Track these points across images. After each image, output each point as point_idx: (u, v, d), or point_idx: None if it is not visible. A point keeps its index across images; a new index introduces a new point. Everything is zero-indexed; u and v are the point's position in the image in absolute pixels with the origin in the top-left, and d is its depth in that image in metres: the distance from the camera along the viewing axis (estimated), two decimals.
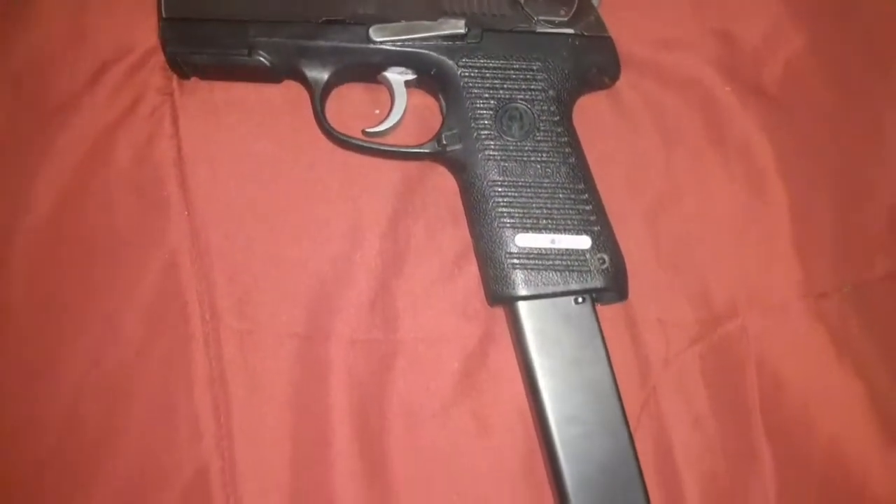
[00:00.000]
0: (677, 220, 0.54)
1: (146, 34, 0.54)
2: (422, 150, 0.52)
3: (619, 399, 0.48)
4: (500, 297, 0.50)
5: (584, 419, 0.48)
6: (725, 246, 0.53)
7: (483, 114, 0.50)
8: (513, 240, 0.49)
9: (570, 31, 0.51)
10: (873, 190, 0.54)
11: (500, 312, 0.52)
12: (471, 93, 0.50)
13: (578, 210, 0.50)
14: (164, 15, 0.50)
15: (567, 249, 0.49)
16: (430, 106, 0.54)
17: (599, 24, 0.52)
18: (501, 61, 0.51)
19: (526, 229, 0.49)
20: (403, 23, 0.50)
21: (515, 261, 0.49)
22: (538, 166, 0.50)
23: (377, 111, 0.54)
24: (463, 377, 0.52)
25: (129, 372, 0.50)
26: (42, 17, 0.54)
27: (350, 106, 0.54)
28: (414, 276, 0.53)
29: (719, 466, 0.51)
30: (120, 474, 0.49)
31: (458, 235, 0.53)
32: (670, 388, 0.52)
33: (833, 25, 0.56)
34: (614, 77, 0.53)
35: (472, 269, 0.52)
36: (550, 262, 0.49)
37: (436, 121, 0.53)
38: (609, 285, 0.49)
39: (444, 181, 0.54)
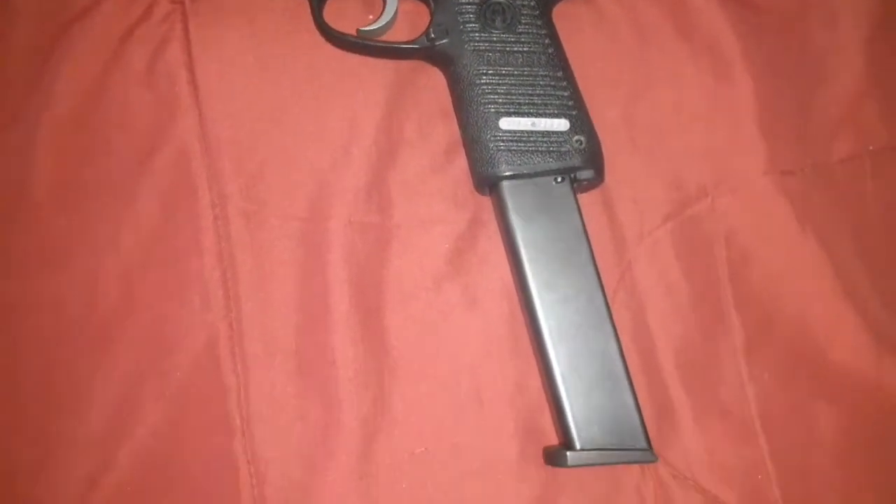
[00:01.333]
0: (650, 109, 0.57)
1: None
2: (412, 46, 0.55)
3: (596, 268, 0.52)
4: (486, 178, 0.53)
5: (563, 287, 0.52)
6: (695, 132, 0.57)
7: (468, 9, 0.54)
8: (497, 123, 0.53)
9: None
10: (831, 77, 0.58)
11: (486, 202, 0.56)
12: None
13: (557, 95, 0.54)
14: None
15: (547, 132, 0.53)
16: (419, 12, 0.58)
17: None
18: None
19: (509, 114, 0.53)
20: None
21: (500, 143, 0.53)
22: (520, 56, 0.54)
23: (371, 17, 0.58)
24: (453, 256, 0.56)
25: (144, 250, 0.54)
26: None
27: (346, 10, 0.57)
28: (407, 167, 0.57)
29: (691, 332, 0.54)
30: (136, 342, 0.54)
31: (447, 131, 0.57)
32: (644, 263, 0.55)
33: None
34: None
35: (461, 161, 0.56)
36: (532, 144, 0.53)
37: (424, 23, 0.56)
38: (586, 164, 0.53)
39: (433, 80, 0.58)
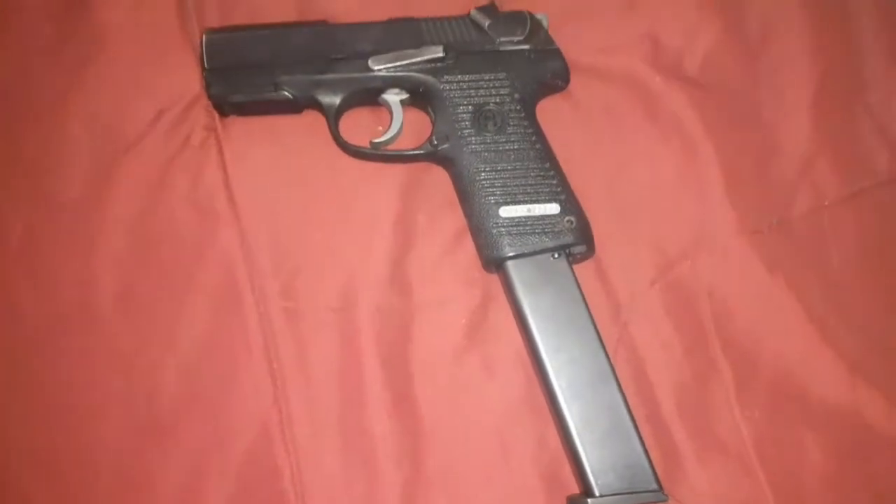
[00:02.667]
0: (629, 185, 0.65)
1: (190, 84, 0.66)
2: (419, 152, 0.64)
3: (597, 330, 0.59)
4: (493, 259, 0.61)
5: (569, 349, 0.59)
6: (670, 202, 0.65)
7: (464, 117, 0.63)
8: (497, 213, 0.61)
9: (527, 46, 0.64)
10: (784, 142, 0.66)
11: (494, 278, 0.63)
12: (452, 102, 0.63)
13: (547, 184, 0.62)
14: (206, 66, 0.64)
15: (541, 215, 0.61)
16: (421, 120, 0.66)
17: (549, 39, 0.65)
18: (474, 75, 0.63)
19: (507, 203, 0.61)
20: (394, 53, 0.63)
21: (502, 229, 0.61)
22: (511, 153, 0.62)
23: (380, 127, 0.67)
24: (470, 330, 0.63)
25: (199, 348, 0.62)
26: (107, 77, 0.67)
27: (358, 125, 0.66)
28: (422, 254, 0.64)
29: (686, 379, 0.61)
30: (197, 431, 0.61)
31: (454, 219, 0.65)
32: (639, 321, 0.62)
33: (737, 18, 0.68)
34: (566, 80, 0.65)
35: (469, 245, 0.64)
36: (530, 227, 0.61)
37: (427, 130, 0.65)
38: (578, 240, 0.61)
39: (438, 177, 0.66)
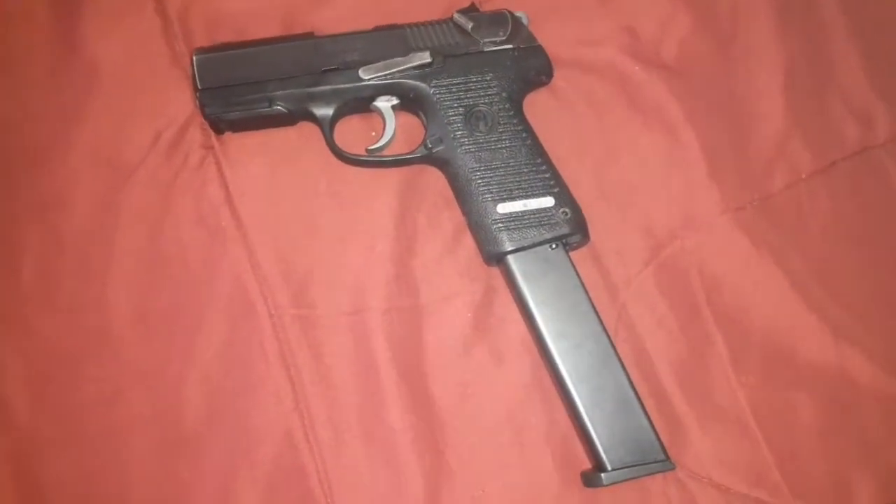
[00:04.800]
0: (616, 172, 0.68)
1: (183, 105, 0.68)
2: (414, 156, 0.66)
3: (597, 314, 0.62)
4: (493, 255, 0.64)
5: (573, 334, 0.62)
6: (657, 185, 0.67)
7: (455, 119, 0.65)
8: (494, 209, 0.63)
9: (510, 46, 0.66)
10: (759, 122, 0.69)
11: (496, 271, 0.66)
12: (443, 105, 0.65)
13: (540, 178, 0.64)
14: (199, 87, 0.65)
15: (537, 209, 0.63)
16: (413, 124, 0.68)
17: (531, 37, 0.67)
18: (462, 77, 0.65)
19: (503, 199, 0.63)
20: (383, 62, 0.65)
21: (500, 224, 0.63)
22: (504, 151, 0.64)
23: (374, 133, 0.68)
24: (476, 322, 0.65)
25: (219, 361, 0.64)
26: (103, 108, 0.68)
27: (352, 133, 0.68)
28: (424, 253, 0.67)
29: (684, 353, 0.65)
30: (225, 441, 0.62)
31: (452, 217, 0.67)
32: (635, 302, 0.66)
33: (708, 6, 0.71)
34: (550, 75, 0.68)
35: (468, 241, 0.66)
36: (526, 221, 0.63)
37: (419, 133, 0.67)
38: (573, 230, 0.63)
39: (434, 178, 0.68)
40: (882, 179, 0.69)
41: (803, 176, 0.68)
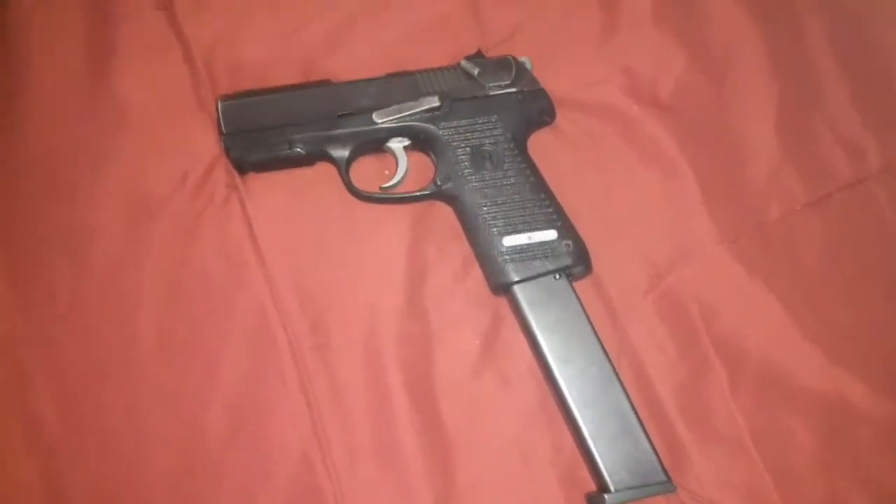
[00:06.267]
0: (616, 206, 0.71)
1: (209, 146, 0.72)
2: (424, 193, 0.70)
3: (599, 341, 0.65)
4: (500, 285, 0.67)
5: (577, 360, 0.64)
6: (655, 218, 0.71)
7: (463, 158, 0.69)
8: (501, 242, 0.67)
9: (514, 89, 0.70)
10: (753, 156, 0.72)
11: (502, 300, 0.69)
12: (451, 146, 0.69)
13: (543, 212, 0.67)
14: (224, 131, 0.69)
15: (541, 241, 0.67)
16: (423, 162, 0.72)
17: (534, 80, 0.71)
18: (469, 119, 0.70)
19: (509, 233, 0.67)
20: (395, 106, 0.70)
21: (506, 257, 0.66)
22: (509, 187, 0.68)
23: (387, 172, 0.73)
24: (484, 349, 0.68)
25: (240, 385, 0.67)
26: (132, 147, 0.73)
27: (367, 172, 0.72)
28: (434, 282, 0.70)
29: (683, 378, 0.67)
30: (245, 462, 0.65)
31: (460, 248, 0.70)
32: (637, 330, 0.68)
33: (701, 46, 0.75)
34: (552, 116, 0.72)
35: (476, 271, 0.69)
36: (531, 253, 0.66)
37: (430, 171, 0.71)
38: (576, 262, 0.66)
39: (443, 212, 0.71)
40: (873, 210, 0.72)
41: (797, 207, 0.72)
